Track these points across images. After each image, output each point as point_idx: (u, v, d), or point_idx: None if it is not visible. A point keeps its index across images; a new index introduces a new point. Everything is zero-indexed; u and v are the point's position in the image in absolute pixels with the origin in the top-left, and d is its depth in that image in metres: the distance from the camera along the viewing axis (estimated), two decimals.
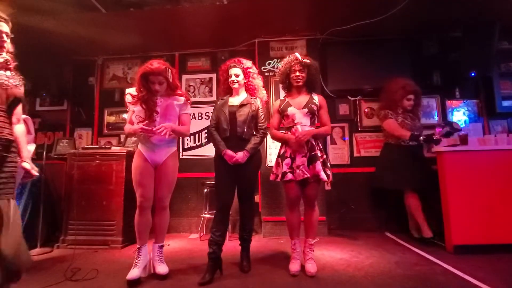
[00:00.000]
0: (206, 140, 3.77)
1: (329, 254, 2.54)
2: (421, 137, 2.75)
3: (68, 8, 2.80)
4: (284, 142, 2.16)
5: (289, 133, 2.14)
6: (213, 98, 3.84)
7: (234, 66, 2.20)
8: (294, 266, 2.09)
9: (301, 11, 3.13)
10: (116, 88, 3.95)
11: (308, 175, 2.03)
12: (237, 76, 2.18)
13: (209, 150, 3.71)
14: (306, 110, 2.12)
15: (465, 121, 3.60)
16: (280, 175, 2.10)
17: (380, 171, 3.11)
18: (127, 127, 2.10)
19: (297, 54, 2.22)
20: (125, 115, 3.81)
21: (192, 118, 3.76)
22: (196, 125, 3.78)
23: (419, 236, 2.89)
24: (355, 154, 3.64)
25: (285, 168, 2.07)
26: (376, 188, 3.23)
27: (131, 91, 2.12)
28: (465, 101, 3.64)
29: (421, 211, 2.84)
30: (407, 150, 2.92)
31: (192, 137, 3.79)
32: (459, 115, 3.63)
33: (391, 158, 2.99)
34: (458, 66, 3.44)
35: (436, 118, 3.62)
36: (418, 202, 2.87)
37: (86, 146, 3.34)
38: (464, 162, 2.56)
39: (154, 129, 1.96)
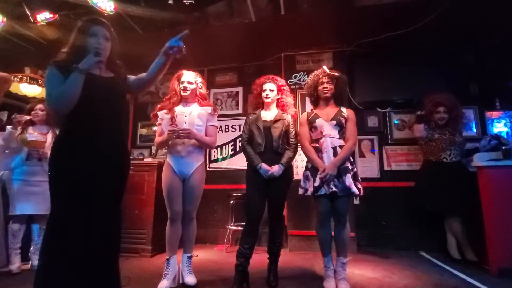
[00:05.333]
0: (232, 152, 3.84)
1: (359, 273, 2.43)
2: (418, 113, 2.93)
3: None
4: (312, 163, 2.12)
5: (317, 145, 2.12)
6: (240, 111, 3.92)
7: (270, 82, 2.27)
8: (330, 285, 2.02)
9: (328, 24, 3.16)
10: (149, 103, 4.17)
11: (335, 189, 1.98)
12: (271, 91, 2.25)
13: (235, 162, 3.77)
14: (334, 122, 2.10)
15: (506, 133, 3.35)
16: (310, 189, 2.06)
17: (421, 191, 2.92)
18: (158, 139, 2.20)
19: (324, 67, 2.24)
20: (155, 128, 4.00)
21: (219, 131, 3.85)
22: (223, 137, 3.87)
23: (460, 257, 2.70)
24: (386, 168, 3.51)
25: (318, 182, 2.03)
26: (415, 208, 3.04)
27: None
28: (506, 112, 3.40)
29: (465, 235, 2.69)
30: (449, 167, 2.77)
31: (219, 149, 3.88)
32: (500, 127, 3.39)
33: (433, 178, 2.82)
34: (498, 75, 3.25)
35: (475, 130, 3.41)
36: (462, 227, 2.71)
37: None
38: (508, 177, 2.38)
39: (179, 129, 2.05)
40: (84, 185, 1.38)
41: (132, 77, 1.67)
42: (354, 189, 1.98)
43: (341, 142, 2.10)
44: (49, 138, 2.59)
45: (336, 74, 2.19)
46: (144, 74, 1.65)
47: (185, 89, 2.19)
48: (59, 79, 1.38)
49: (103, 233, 1.43)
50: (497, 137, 2.66)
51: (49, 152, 2.45)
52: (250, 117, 2.29)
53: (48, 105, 1.44)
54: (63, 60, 1.46)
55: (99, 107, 1.43)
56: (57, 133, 1.54)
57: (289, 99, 2.32)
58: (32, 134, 2.47)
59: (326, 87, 2.16)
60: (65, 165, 1.39)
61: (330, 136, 2.09)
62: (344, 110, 2.18)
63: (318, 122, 2.13)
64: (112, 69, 1.61)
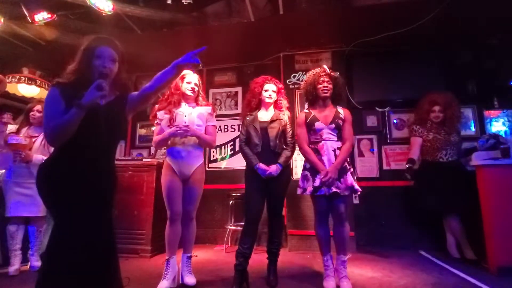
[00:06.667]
0: (231, 152, 3.84)
1: (358, 272, 2.44)
2: (407, 175, 2.89)
3: (108, 29, 3.03)
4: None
5: (316, 147, 2.12)
6: (239, 111, 3.91)
7: (271, 83, 2.30)
8: (330, 284, 2.02)
9: (327, 24, 3.15)
10: None
11: (336, 190, 1.98)
12: (274, 92, 2.28)
13: (234, 162, 3.77)
14: (333, 126, 2.10)
15: (505, 132, 3.36)
16: (309, 189, 2.06)
17: (419, 191, 2.91)
18: (157, 138, 2.16)
19: (325, 66, 2.25)
20: (154, 128, 3.99)
21: (218, 130, 3.85)
22: (223, 138, 3.87)
23: (459, 256, 2.70)
24: (385, 167, 3.51)
25: (317, 182, 2.03)
26: (415, 208, 3.04)
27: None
28: (504, 111, 3.41)
29: (464, 234, 2.70)
30: (446, 167, 2.77)
31: (218, 149, 3.87)
32: (498, 126, 3.41)
33: (430, 177, 2.82)
34: (496, 74, 3.27)
35: (473, 129, 3.42)
36: (461, 226, 2.72)
37: (119, 158, 3.52)
38: (506, 176, 2.39)
39: (181, 125, 2.05)
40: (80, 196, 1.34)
41: (134, 94, 1.54)
42: (357, 187, 2.00)
43: (339, 144, 2.12)
44: (38, 141, 2.57)
45: (336, 75, 2.20)
46: (146, 86, 1.51)
47: (193, 90, 2.21)
48: (59, 105, 1.31)
49: (103, 241, 1.41)
50: (496, 136, 2.66)
51: (34, 155, 2.46)
52: (247, 118, 2.30)
53: (45, 133, 1.40)
54: (66, 83, 1.38)
55: (97, 138, 1.37)
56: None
57: (284, 102, 2.36)
58: (13, 137, 2.43)
59: (327, 86, 2.14)
60: (59, 187, 1.33)
61: (329, 140, 2.10)
62: (341, 110, 2.18)
63: (318, 125, 2.11)
64: (118, 89, 1.52)
